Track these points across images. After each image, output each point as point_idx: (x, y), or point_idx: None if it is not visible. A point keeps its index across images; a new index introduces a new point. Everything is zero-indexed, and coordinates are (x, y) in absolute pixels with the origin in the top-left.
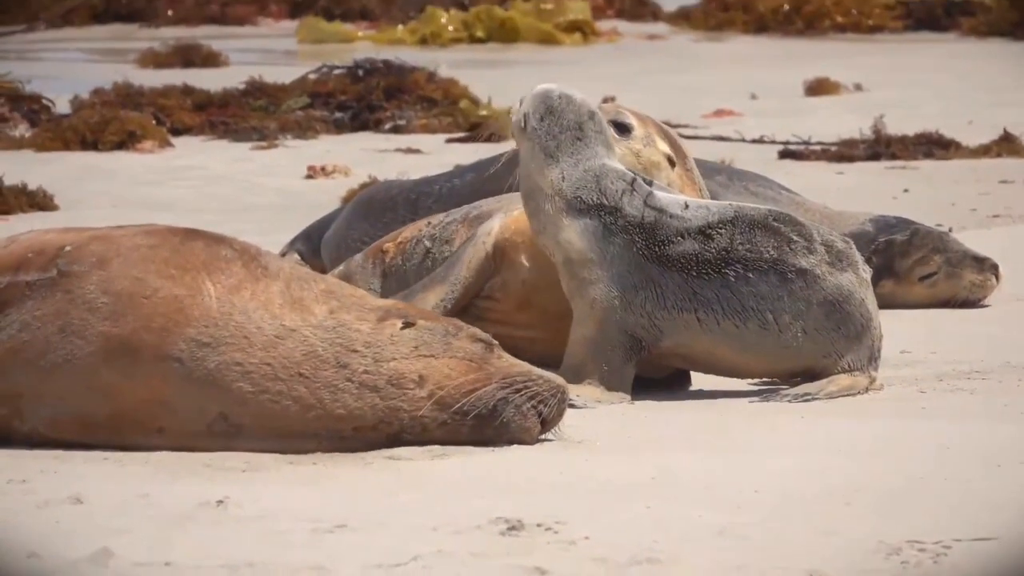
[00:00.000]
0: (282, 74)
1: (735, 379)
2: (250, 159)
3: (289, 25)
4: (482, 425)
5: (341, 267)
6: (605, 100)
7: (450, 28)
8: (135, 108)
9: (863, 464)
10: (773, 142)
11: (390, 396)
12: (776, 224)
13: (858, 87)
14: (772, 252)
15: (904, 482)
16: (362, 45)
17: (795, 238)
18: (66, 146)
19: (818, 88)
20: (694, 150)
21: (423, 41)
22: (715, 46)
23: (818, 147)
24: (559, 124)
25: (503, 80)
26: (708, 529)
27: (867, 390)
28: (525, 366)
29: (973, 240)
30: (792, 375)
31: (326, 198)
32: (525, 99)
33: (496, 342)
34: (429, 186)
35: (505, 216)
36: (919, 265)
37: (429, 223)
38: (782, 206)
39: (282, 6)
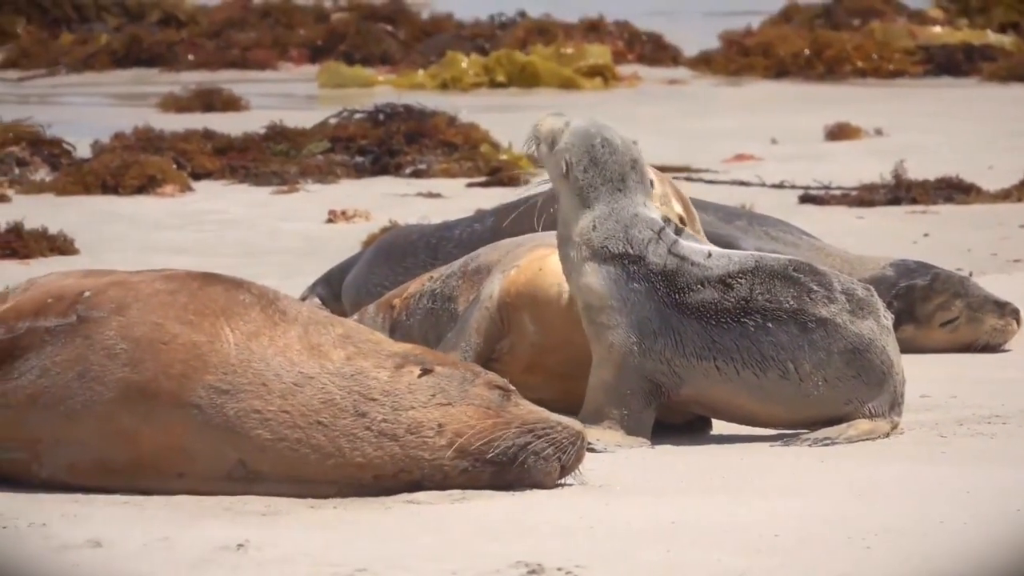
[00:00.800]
0: (303, 118)
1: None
2: (271, 203)
3: (310, 69)
4: (503, 471)
5: (355, 316)
6: None
7: (471, 73)
8: (156, 152)
9: (883, 507)
10: (793, 187)
11: (410, 445)
12: (796, 274)
13: (878, 132)
14: (792, 302)
15: (924, 526)
16: (383, 89)
17: (815, 288)
18: (87, 190)
19: (838, 133)
20: (714, 195)
21: (444, 85)
22: (735, 90)
23: (838, 192)
24: (602, 176)
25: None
26: (728, 573)
27: (887, 435)
28: (543, 412)
29: (993, 285)
30: (813, 424)
31: (347, 242)
32: (562, 137)
33: (513, 388)
34: (450, 231)
35: (503, 276)
36: (940, 310)
37: (431, 278)
38: (802, 251)
39: (303, 51)
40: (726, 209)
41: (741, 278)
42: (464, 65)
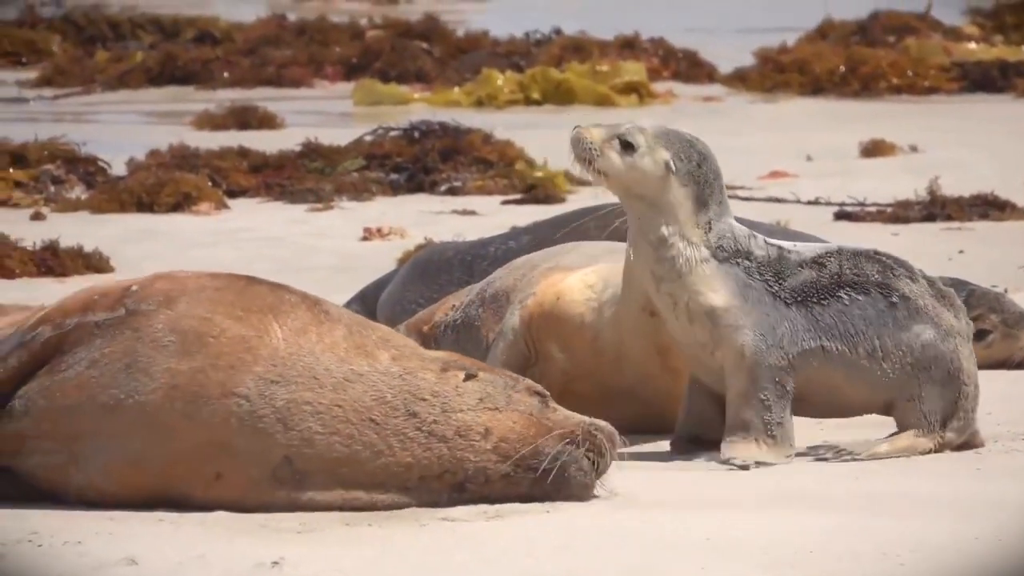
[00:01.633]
0: (338, 136)
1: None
2: (306, 221)
3: (345, 87)
4: (543, 479)
5: None
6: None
7: (506, 90)
8: (191, 170)
9: (916, 523)
10: (828, 203)
11: (457, 447)
12: (878, 255)
13: (913, 148)
14: (877, 276)
15: (958, 542)
16: (418, 107)
17: (896, 267)
18: (122, 208)
19: (873, 150)
20: (749, 211)
21: (479, 103)
22: (770, 107)
23: (873, 208)
24: (712, 171)
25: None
26: None
27: (928, 452)
28: (578, 417)
29: None
30: (884, 408)
31: (382, 260)
32: (645, 138)
33: (548, 393)
34: (484, 248)
35: (521, 307)
36: (975, 326)
37: (453, 307)
38: None
39: (338, 68)
40: (762, 226)
41: (830, 258)
42: (499, 82)
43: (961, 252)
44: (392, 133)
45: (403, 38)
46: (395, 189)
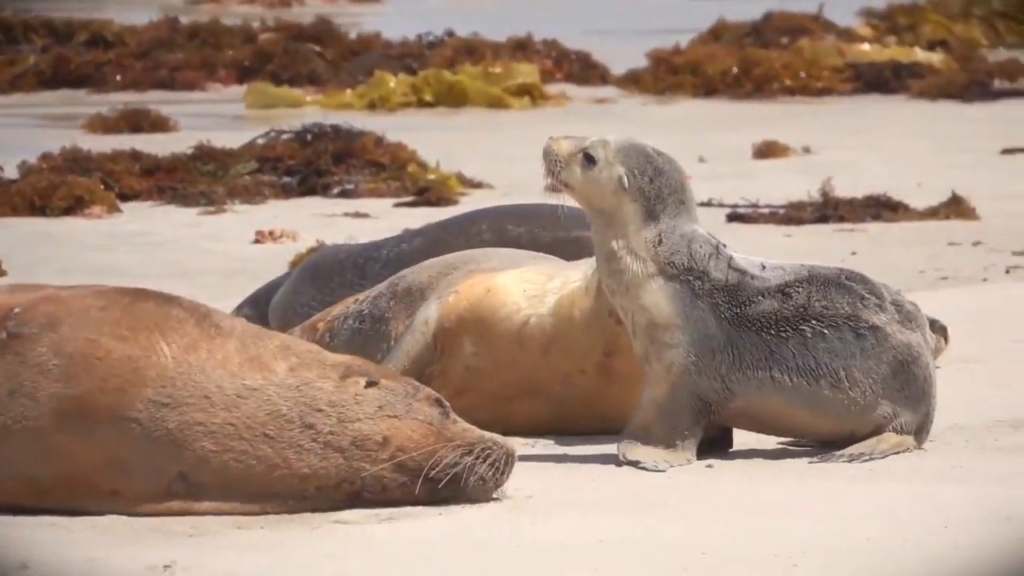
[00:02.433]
0: (230, 139)
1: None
2: (198, 224)
3: (238, 90)
4: (440, 489)
5: None
6: None
7: (398, 92)
8: (83, 173)
9: (807, 525)
10: (721, 205)
11: (354, 457)
12: (848, 282)
13: (807, 150)
14: (847, 308)
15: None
16: (310, 110)
17: (867, 295)
18: (14, 211)
19: (767, 151)
20: None
21: (371, 105)
22: (664, 109)
23: (766, 210)
24: (667, 186)
25: (451, 144)
26: None
27: (911, 451)
28: (478, 431)
29: (921, 302)
30: (851, 436)
31: (274, 263)
32: (605, 151)
33: (448, 404)
34: (377, 251)
35: (440, 303)
36: None
37: (356, 300)
38: None
39: (230, 71)
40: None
41: (798, 287)
42: (392, 85)
43: (854, 254)
44: (284, 136)
45: (295, 41)
46: (287, 192)
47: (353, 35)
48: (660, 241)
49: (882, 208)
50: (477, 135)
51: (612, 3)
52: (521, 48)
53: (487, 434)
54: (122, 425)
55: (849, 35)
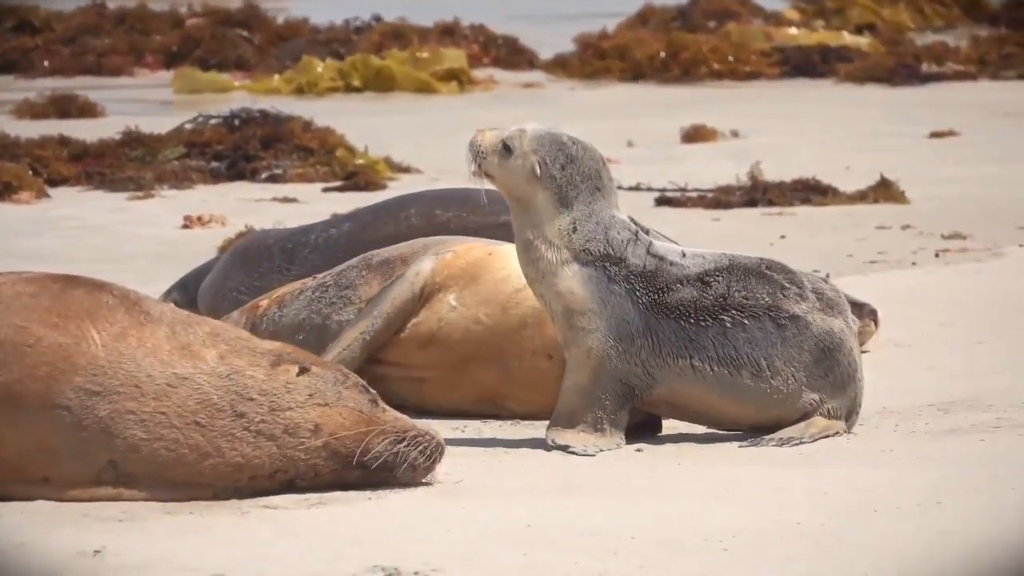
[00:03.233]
0: (158, 124)
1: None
2: (127, 209)
3: (165, 75)
4: (371, 476)
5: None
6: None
7: (326, 77)
8: (11, 159)
9: (740, 509)
10: (650, 189)
11: (287, 445)
12: (769, 272)
13: (735, 133)
14: (767, 299)
15: (780, 527)
16: (238, 95)
17: (787, 285)
18: None
19: (695, 135)
20: None
21: (299, 90)
22: (592, 93)
23: (695, 194)
24: (580, 173)
25: (380, 128)
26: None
27: (841, 434)
28: (408, 419)
29: (850, 286)
30: (776, 424)
31: (202, 248)
32: (522, 142)
33: (377, 394)
34: (306, 235)
35: (438, 258)
36: None
37: (314, 277)
38: None
39: (158, 57)
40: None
41: (718, 275)
42: (319, 70)
43: (783, 237)
44: (212, 121)
45: (223, 26)
46: (216, 177)
47: (281, 20)
48: (575, 228)
49: (811, 192)
50: (405, 120)
51: None
52: (448, 33)
53: (417, 423)
54: (52, 413)
55: (777, 19)
